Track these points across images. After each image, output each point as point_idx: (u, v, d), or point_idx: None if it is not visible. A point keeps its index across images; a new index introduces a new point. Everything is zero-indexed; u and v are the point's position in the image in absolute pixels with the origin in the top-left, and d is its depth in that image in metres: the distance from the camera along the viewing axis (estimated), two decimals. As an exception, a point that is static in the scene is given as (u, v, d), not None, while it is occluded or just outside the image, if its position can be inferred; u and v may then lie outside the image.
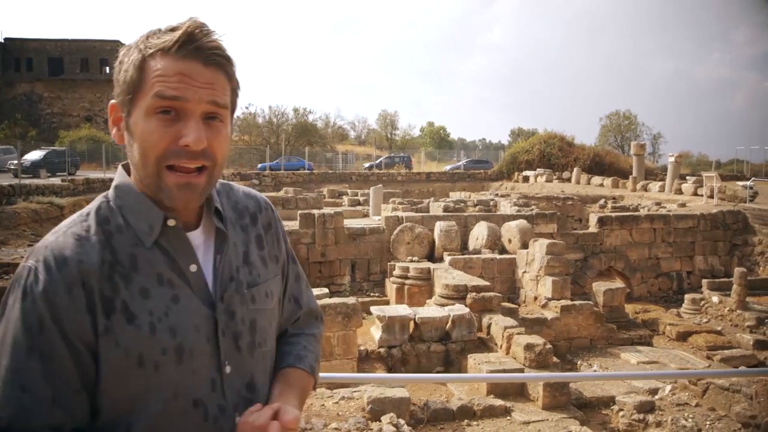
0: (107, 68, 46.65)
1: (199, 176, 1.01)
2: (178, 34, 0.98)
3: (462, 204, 15.26)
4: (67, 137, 38.50)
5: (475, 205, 15.25)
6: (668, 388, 7.33)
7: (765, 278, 12.98)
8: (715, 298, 12.11)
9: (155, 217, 1.02)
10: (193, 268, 1.05)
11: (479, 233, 12.59)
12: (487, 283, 9.32)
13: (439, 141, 60.96)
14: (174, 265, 1.03)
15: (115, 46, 46.93)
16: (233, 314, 1.07)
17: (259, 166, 32.59)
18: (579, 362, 9.25)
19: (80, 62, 46.19)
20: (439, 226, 12.49)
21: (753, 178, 17.84)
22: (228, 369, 1.06)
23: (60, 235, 1.00)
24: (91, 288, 0.96)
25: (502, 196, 16.86)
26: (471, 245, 12.73)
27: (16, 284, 0.97)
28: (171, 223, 1.03)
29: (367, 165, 37.31)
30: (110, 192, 1.08)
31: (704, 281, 12.70)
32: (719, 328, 11.29)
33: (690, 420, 6.23)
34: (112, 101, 1.07)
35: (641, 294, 14.51)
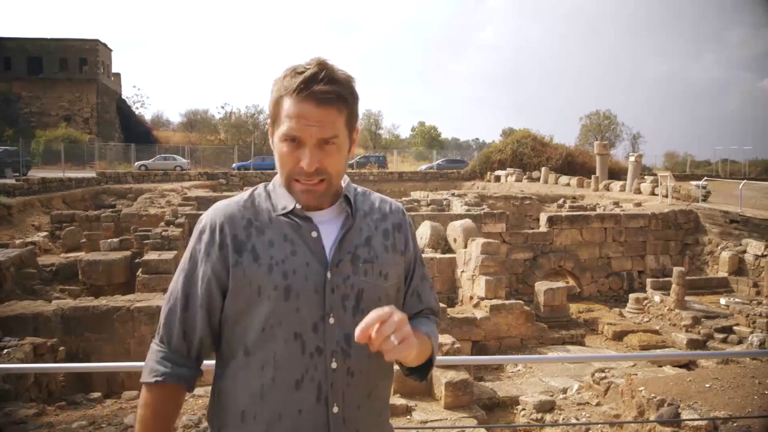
0: (86, 68, 46.28)
1: (319, 185, 1.34)
2: (300, 79, 1.30)
3: (415, 203, 15.25)
4: (44, 137, 38.14)
5: (428, 205, 15.24)
6: (576, 386, 7.33)
7: (709, 277, 13.02)
8: (657, 298, 12.10)
9: (290, 201, 1.37)
10: (314, 234, 1.36)
11: (423, 233, 12.57)
12: (414, 283, 9.28)
13: (430, 141, 60.75)
14: (299, 230, 1.36)
15: (94, 45, 46.47)
16: (346, 278, 1.35)
17: (233, 165, 32.59)
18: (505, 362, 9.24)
19: (59, 62, 45.64)
20: (382, 225, 12.46)
21: (705, 177, 17.87)
22: (331, 320, 1.33)
23: (226, 201, 1.43)
24: (226, 233, 1.34)
25: (458, 195, 16.83)
26: (416, 245, 12.71)
27: (196, 227, 1.42)
28: (299, 206, 1.37)
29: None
30: (271, 182, 1.47)
31: (648, 280, 12.70)
32: (658, 328, 11.29)
33: (583, 419, 6.22)
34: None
35: (591, 293, 14.51)
